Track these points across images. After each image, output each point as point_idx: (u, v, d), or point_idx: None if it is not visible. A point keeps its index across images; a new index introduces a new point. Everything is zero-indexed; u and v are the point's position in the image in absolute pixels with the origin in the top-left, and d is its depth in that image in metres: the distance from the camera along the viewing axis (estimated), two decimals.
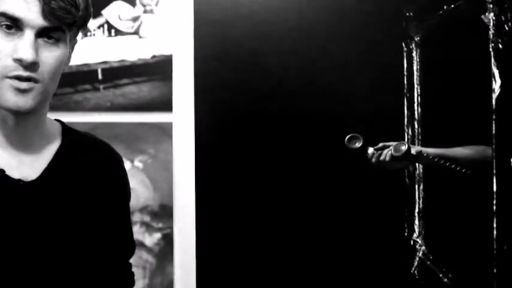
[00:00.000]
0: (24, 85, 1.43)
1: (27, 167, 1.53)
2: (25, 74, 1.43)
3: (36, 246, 1.50)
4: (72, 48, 1.55)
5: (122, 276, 1.73)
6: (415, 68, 2.73)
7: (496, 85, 2.44)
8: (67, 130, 1.64)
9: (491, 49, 2.50)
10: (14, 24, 1.42)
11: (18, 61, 1.42)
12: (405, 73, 2.74)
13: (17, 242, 1.48)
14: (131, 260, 1.79)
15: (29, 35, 1.42)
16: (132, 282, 1.77)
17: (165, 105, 2.84)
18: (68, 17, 1.45)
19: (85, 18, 1.50)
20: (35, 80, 1.44)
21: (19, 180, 1.51)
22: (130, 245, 1.76)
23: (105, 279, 1.64)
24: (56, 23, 1.44)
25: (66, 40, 1.49)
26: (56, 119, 1.65)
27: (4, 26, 1.43)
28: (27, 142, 1.54)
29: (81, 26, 1.51)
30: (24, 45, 1.41)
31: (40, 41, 1.44)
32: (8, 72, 1.42)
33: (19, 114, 1.49)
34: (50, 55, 1.46)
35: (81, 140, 1.65)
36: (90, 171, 1.62)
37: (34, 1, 1.42)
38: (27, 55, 1.41)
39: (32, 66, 1.42)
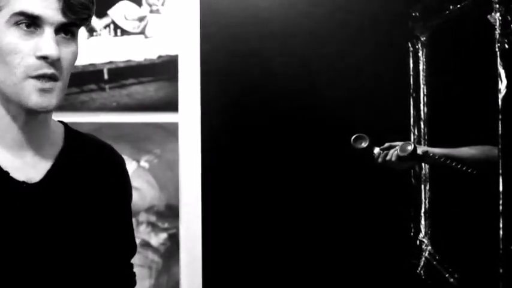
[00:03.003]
0: (47, 85, 1.43)
1: (30, 168, 1.53)
2: (49, 71, 1.43)
3: (39, 248, 1.50)
4: None
5: (123, 276, 1.73)
6: (421, 68, 2.73)
7: (502, 85, 2.44)
8: (70, 132, 1.65)
9: (497, 49, 2.50)
10: (33, 22, 1.42)
11: (43, 58, 1.42)
12: (411, 73, 2.74)
13: (21, 244, 1.48)
14: (134, 260, 1.79)
15: (49, 31, 1.42)
16: (133, 283, 1.77)
17: (171, 105, 2.84)
18: (85, 12, 1.45)
19: (93, 13, 1.51)
20: (56, 78, 1.44)
21: (23, 182, 1.51)
22: (132, 246, 1.76)
23: (107, 280, 1.64)
24: (73, 19, 1.45)
25: (78, 35, 1.50)
26: (59, 121, 1.66)
27: (23, 25, 1.43)
28: (32, 143, 1.54)
29: (89, 22, 1.52)
30: (47, 42, 1.41)
31: (58, 37, 1.44)
32: (32, 72, 1.42)
33: (32, 113, 1.49)
34: (68, 51, 1.46)
35: (83, 142, 1.65)
36: (92, 172, 1.62)
37: None
38: (52, 51, 1.41)
39: (56, 62, 1.43)
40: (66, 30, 1.46)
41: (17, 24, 1.43)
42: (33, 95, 1.43)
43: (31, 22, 1.42)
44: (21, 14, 1.42)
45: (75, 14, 1.44)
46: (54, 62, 1.42)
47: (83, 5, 1.44)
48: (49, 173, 1.54)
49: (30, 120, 1.51)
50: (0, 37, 1.43)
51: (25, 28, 1.42)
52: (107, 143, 1.72)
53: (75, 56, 1.49)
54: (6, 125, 1.51)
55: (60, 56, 1.44)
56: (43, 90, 1.43)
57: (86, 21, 1.49)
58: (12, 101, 1.47)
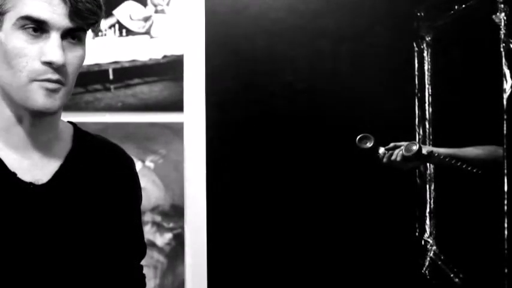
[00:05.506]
0: (53, 86, 1.43)
1: (38, 169, 1.53)
2: (54, 77, 1.43)
3: (47, 249, 1.50)
4: None
5: (132, 278, 1.73)
6: (426, 68, 2.73)
7: (507, 85, 2.44)
8: (79, 132, 1.65)
9: (502, 49, 2.50)
10: (39, 27, 1.42)
11: (48, 64, 1.42)
12: (416, 73, 2.74)
13: (27, 245, 1.49)
14: (142, 261, 1.79)
15: (55, 37, 1.42)
16: (143, 284, 1.77)
17: (176, 105, 2.84)
18: (93, 17, 1.46)
19: (102, 18, 1.52)
20: (62, 83, 1.45)
21: (30, 183, 1.51)
22: (141, 247, 1.77)
23: (116, 281, 1.65)
24: (80, 24, 1.45)
25: (85, 39, 1.50)
26: (68, 121, 1.66)
27: (30, 29, 1.42)
28: (40, 144, 1.54)
29: (98, 26, 1.52)
30: (52, 48, 1.41)
31: (64, 42, 1.44)
32: (37, 76, 1.42)
33: (37, 115, 1.49)
34: (73, 55, 1.46)
35: (92, 143, 1.66)
36: (101, 174, 1.62)
37: (59, 3, 1.42)
38: (58, 57, 1.41)
39: (61, 68, 1.43)
40: (73, 35, 1.46)
41: (23, 28, 1.42)
42: (39, 96, 1.43)
43: (37, 26, 1.42)
44: (28, 18, 1.42)
45: (83, 20, 1.44)
46: (59, 68, 1.42)
47: (90, 10, 1.44)
48: (57, 174, 1.55)
49: (37, 122, 1.52)
50: (6, 40, 1.43)
51: (32, 32, 1.42)
52: (117, 143, 1.72)
53: (81, 60, 1.49)
54: (13, 127, 1.52)
55: (66, 61, 1.44)
56: (49, 90, 1.43)
57: (93, 26, 1.49)
58: (17, 103, 1.47)
